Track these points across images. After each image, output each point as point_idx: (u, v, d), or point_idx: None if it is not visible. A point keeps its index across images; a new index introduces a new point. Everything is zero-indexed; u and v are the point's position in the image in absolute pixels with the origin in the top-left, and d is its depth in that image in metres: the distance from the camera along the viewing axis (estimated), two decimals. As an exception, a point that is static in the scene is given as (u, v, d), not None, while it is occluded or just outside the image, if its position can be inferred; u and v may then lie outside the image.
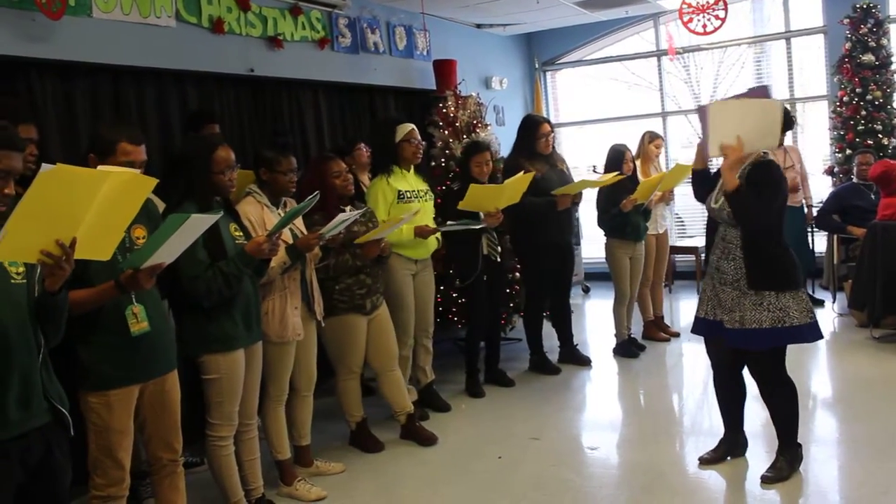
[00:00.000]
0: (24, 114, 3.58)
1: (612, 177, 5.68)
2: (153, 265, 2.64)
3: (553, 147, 5.85)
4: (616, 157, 6.04)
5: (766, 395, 3.79)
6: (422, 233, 4.77)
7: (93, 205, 2.18)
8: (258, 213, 3.73)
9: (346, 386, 4.51)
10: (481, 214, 5.09)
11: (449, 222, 4.99)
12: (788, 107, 3.69)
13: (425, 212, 4.94)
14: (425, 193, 5.00)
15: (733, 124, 3.50)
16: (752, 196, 3.50)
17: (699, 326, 3.90)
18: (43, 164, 2.02)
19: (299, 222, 3.98)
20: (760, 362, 3.72)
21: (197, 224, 2.68)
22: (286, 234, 3.75)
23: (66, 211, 2.14)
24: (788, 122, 3.69)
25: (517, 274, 6.09)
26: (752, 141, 3.51)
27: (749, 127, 3.49)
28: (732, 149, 3.49)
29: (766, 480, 3.75)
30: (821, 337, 3.68)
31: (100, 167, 2.42)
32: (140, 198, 2.40)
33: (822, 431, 4.58)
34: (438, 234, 5.05)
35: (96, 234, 2.27)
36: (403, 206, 4.75)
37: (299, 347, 3.95)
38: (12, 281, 2.27)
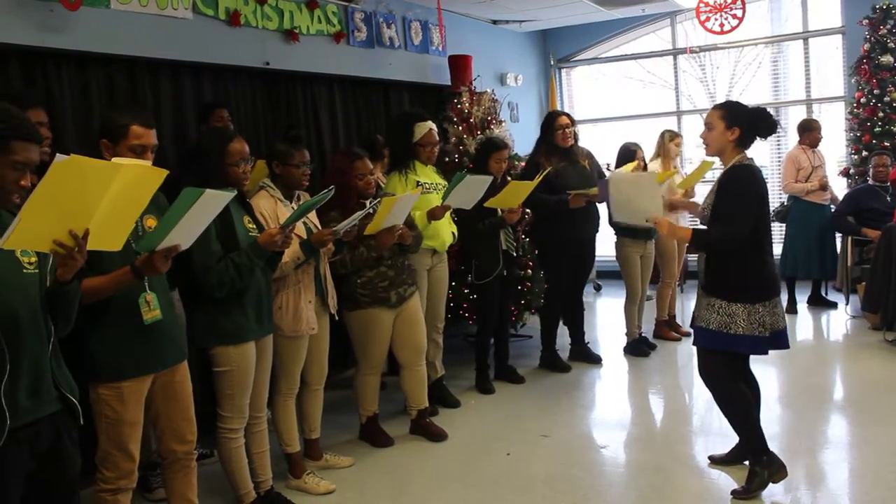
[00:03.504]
0: (32, 99, 3.59)
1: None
2: (168, 247, 2.63)
3: (576, 142, 5.81)
4: (626, 156, 6.02)
5: (714, 398, 3.81)
6: (434, 214, 4.72)
7: (105, 196, 2.19)
8: (271, 208, 3.73)
9: (365, 380, 4.52)
10: (500, 211, 5.10)
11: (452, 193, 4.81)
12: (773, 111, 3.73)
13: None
14: (442, 188, 4.99)
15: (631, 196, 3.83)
16: (724, 205, 3.53)
17: (691, 323, 3.92)
18: (57, 155, 2.02)
19: (314, 217, 3.98)
20: (707, 363, 3.74)
21: (212, 202, 2.66)
22: (300, 229, 3.75)
23: (79, 202, 2.14)
24: (763, 123, 3.61)
25: (529, 271, 6.08)
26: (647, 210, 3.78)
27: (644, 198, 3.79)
28: (659, 225, 3.74)
29: (735, 495, 3.69)
30: (763, 352, 3.66)
31: (113, 159, 2.42)
32: (150, 189, 2.40)
33: (833, 434, 4.56)
34: (454, 229, 5.05)
35: (108, 224, 2.27)
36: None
37: (312, 341, 3.96)
38: (24, 271, 2.29)
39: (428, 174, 4.97)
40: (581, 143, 5.99)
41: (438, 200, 4.79)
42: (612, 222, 6.13)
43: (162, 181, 2.42)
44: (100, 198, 2.18)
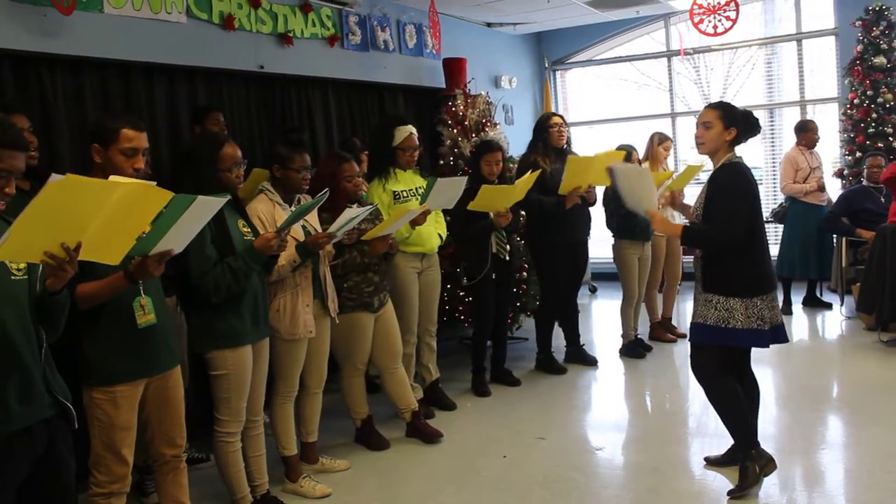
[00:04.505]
0: (14, 105, 3.59)
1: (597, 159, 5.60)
2: (162, 252, 2.63)
3: (568, 144, 5.83)
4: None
5: (706, 394, 3.84)
6: (415, 221, 4.61)
7: (101, 212, 2.20)
8: (269, 211, 3.72)
9: (350, 383, 4.52)
10: (491, 214, 5.09)
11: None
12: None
13: None
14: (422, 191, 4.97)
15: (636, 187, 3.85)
16: (716, 203, 3.57)
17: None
18: (52, 175, 2.03)
19: (314, 219, 3.98)
20: (699, 358, 3.77)
21: (204, 207, 2.66)
22: (298, 232, 3.75)
23: (72, 217, 2.15)
24: (754, 125, 3.72)
25: (524, 273, 6.08)
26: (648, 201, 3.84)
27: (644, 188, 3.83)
28: (653, 218, 3.81)
29: (731, 495, 3.70)
30: (764, 345, 3.70)
31: (111, 178, 2.42)
32: (154, 209, 2.42)
33: (828, 435, 4.57)
34: (441, 230, 5.05)
35: (105, 239, 2.28)
36: (400, 206, 4.74)
37: (312, 344, 3.95)
38: (12, 277, 2.28)
39: (407, 180, 4.93)
40: (574, 146, 6.01)
41: (416, 206, 4.78)
42: (609, 224, 6.15)
43: (166, 202, 2.42)
44: (95, 214, 2.19)
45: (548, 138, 5.67)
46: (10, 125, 2.18)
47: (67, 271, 2.22)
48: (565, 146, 5.77)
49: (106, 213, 2.21)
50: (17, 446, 2.25)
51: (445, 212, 5.17)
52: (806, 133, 7.24)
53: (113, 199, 2.21)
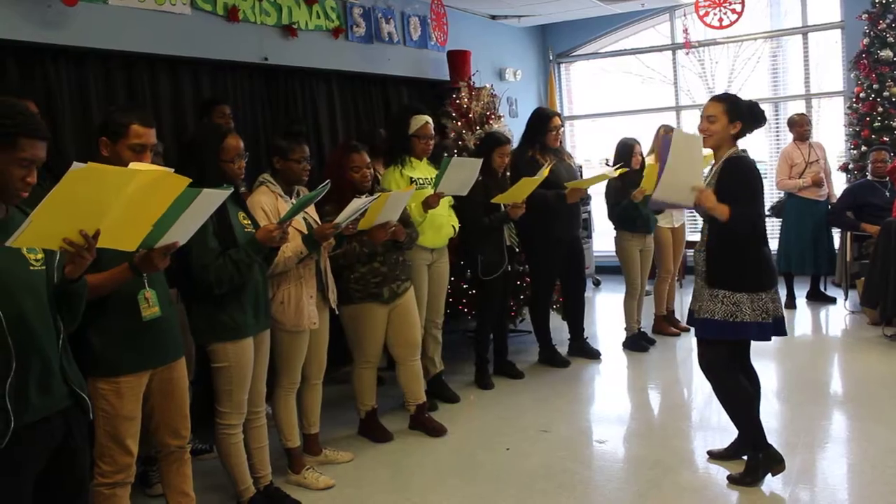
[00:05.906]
0: (20, 92, 3.58)
1: (619, 169, 5.67)
2: (166, 245, 2.64)
3: (560, 141, 5.86)
4: (624, 151, 6.04)
5: (714, 390, 3.83)
6: (428, 204, 4.68)
7: (120, 199, 2.21)
8: (272, 203, 3.72)
9: (360, 374, 4.52)
10: (503, 206, 5.11)
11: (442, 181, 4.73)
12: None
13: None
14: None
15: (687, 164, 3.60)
16: (734, 192, 3.53)
17: (689, 318, 3.96)
18: (74, 163, 2.04)
19: (313, 212, 3.98)
20: (708, 354, 3.76)
21: (209, 200, 2.67)
22: (300, 224, 3.75)
23: (92, 204, 2.17)
24: (759, 117, 3.69)
25: (527, 266, 6.08)
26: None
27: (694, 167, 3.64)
28: (703, 196, 3.54)
29: (730, 480, 3.76)
30: (768, 339, 3.69)
31: (131, 165, 2.43)
32: (171, 196, 2.42)
33: (831, 429, 4.56)
34: (455, 223, 5.07)
35: (122, 225, 2.30)
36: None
37: (312, 336, 3.95)
38: (31, 268, 2.28)
39: (423, 169, 4.96)
40: (578, 139, 6.03)
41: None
42: (610, 217, 6.14)
43: (182, 189, 2.42)
44: (114, 201, 2.21)
45: (545, 140, 5.66)
46: (31, 114, 2.18)
47: (86, 258, 2.24)
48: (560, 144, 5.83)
49: (124, 201, 2.23)
50: (38, 437, 2.26)
51: (458, 202, 5.14)
52: (793, 127, 7.25)
53: (132, 186, 2.22)
